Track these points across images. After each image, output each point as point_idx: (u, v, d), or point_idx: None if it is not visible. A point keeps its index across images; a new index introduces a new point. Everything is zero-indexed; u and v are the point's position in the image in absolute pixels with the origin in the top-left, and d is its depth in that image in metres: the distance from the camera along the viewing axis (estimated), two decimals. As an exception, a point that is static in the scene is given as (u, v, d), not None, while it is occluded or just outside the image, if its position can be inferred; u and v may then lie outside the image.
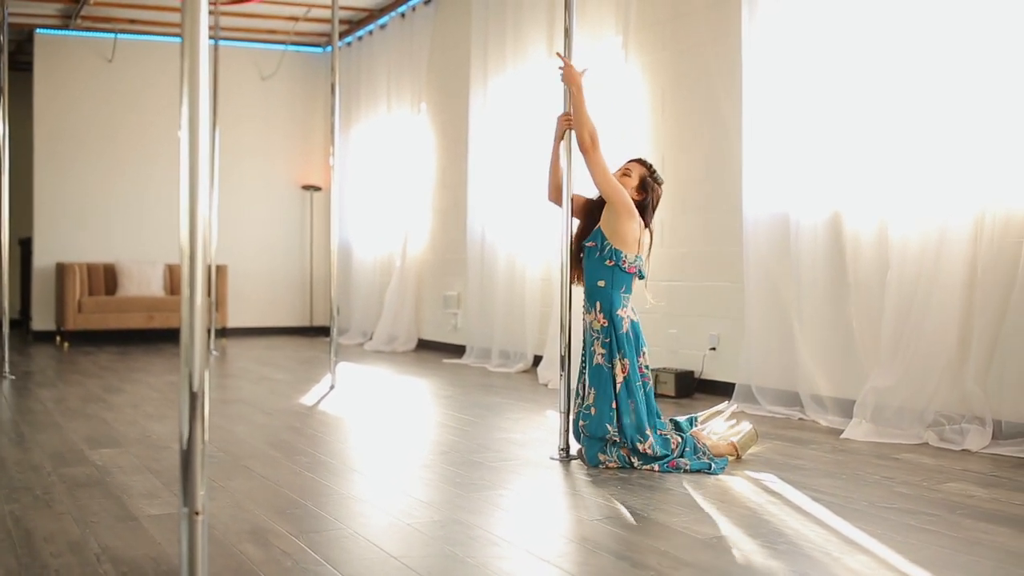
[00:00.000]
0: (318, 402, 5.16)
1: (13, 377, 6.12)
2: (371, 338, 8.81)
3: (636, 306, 3.67)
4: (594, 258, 3.61)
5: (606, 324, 3.56)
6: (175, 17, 8.94)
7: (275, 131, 10.03)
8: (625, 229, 3.56)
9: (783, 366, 4.78)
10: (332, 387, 5.70)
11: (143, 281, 8.97)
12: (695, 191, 5.45)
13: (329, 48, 10.11)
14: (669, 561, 2.32)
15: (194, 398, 1.75)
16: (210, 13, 8.56)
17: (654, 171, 3.73)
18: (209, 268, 8.76)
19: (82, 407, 4.89)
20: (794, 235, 4.68)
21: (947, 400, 3.99)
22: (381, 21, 8.94)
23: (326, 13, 8.92)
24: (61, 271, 8.70)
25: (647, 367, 3.60)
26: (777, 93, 4.77)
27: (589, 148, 3.59)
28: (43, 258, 9.20)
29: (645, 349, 3.60)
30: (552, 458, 3.60)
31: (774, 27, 4.80)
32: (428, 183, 8.38)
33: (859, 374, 4.37)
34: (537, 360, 6.58)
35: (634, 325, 3.58)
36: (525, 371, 6.61)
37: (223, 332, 9.16)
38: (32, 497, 2.96)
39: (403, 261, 8.44)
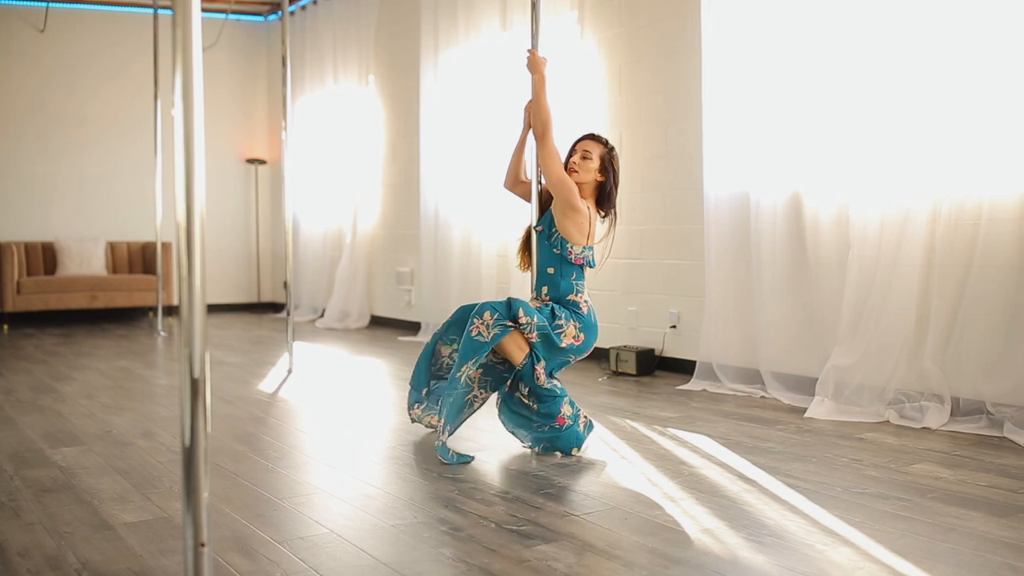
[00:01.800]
0: (278, 388, 5.08)
1: (-45, 365, 5.93)
2: (322, 315, 8.72)
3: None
4: (544, 243, 3.64)
5: (547, 303, 3.59)
6: (110, -14, 8.64)
7: (217, 103, 9.77)
8: (569, 225, 3.57)
9: (744, 344, 4.84)
10: (290, 371, 5.62)
11: (84, 260, 8.72)
12: (654, 169, 5.45)
13: (271, 17, 9.89)
14: (659, 559, 2.34)
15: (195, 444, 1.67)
16: (147, -18, 8.32)
17: (611, 147, 3.70)
18: (155, 246, 8.57)
19: (33, 399, 4.75)
20: (754, 214, 4.71)
21: (906, 378, 4.08)
22: (326, -10, 8.74)
23: (268, -18, 8.70)
24: (-2, 251, 8.42)
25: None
26: (738, 71, 4.78)
27: (540, 136, 3.61)
28: (-23, 237, 8.90)
29: (595, 337, 3.65)
30: (527, 446, 3.60)
31: (734, 2, 4.80)
32: (377, 157, 8.27)
33: (819, 352, 4.45)
34: (494, 337, 6.56)
35: (592, 313, 3.62)
36: (482, 349, 6.59)
37: (169, 311, 8.97)
38: (-2, 505, 2.88)
39: (354, 237, 8.33)
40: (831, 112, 4.37)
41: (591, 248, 3.64)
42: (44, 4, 8.94)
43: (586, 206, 3.59)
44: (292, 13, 9.38)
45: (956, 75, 3.88)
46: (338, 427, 4.12)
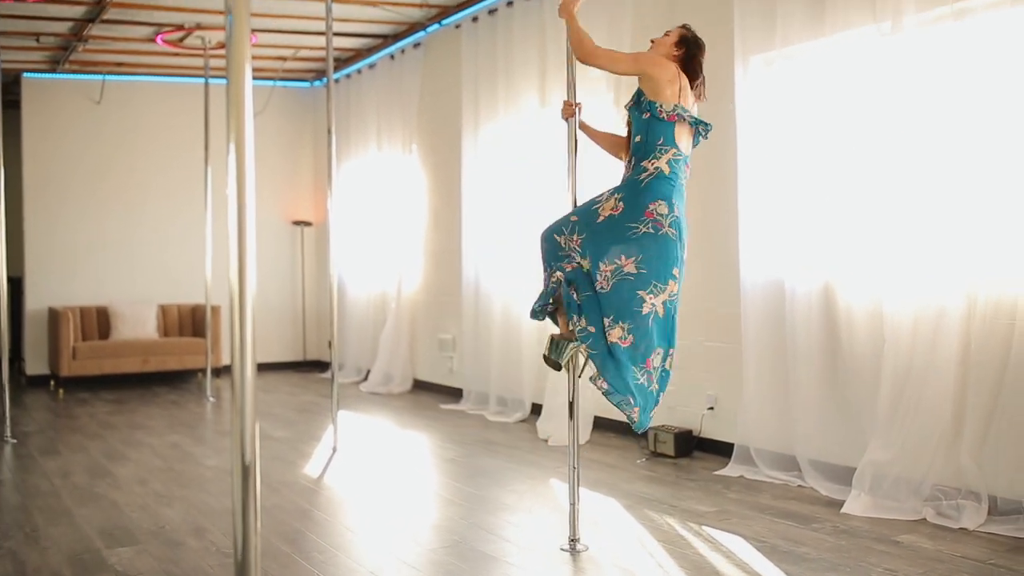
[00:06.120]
0: (323, 472, 5.21)
1: (15, 441, 6.14)
2: (366, 378, 8.87)
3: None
4: (635, 116, 3.61)
5: (628, 175, 3.58)
6: (161, 60, 8.95)
7: (264, 167, 10.02)
8: (656, 76, 3.51)
9: (781, 430, 4.87)
10: (335, 450, 5.75)
11: (137, 323, 8.99)
12: (690, 250, 5.50)
13: (317, 83, 10.16)
14: None
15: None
16: (199, 56, 8.61)
17: (692, 30, 3.71)
18: (204, 309, 8.79)
19: (89, 485, 4.92)
20: (789, 302, 4.77)
21: (943, 474, 4.09)
22: (369, 60, 8.97)
23: (313, 53, 8.95)
24: (54, 317, 8.70)
25: (662, 217, 3.50)
26: (771, 159, 4.86)
27: (589, 56, 3.61)
28: (35, 301, 9.20)
29: (660, 200, 3.49)
30: (563, 549, 3.69)
31: (768, 93, 4.89)
32: (421, 224, 8.43)
33: (856, 441, 4.47)
34: (535, 409, 6.66)
35: (659, 179, 3.48)
36: (523, 420, 6.69)
37: (218, 372, 9.18)
38: (58, 622, 3.02)
39: (398, 302, 8.49)
40: (864, 206, 4.43)
41: (681, 106, 3.54)
42: (100, 77, 9.28)
43: (671, 67, 3.56)
44: (336, 81, 9.63)
45: (991, 174, 3.93)
46: (381, 523, 4.22)
